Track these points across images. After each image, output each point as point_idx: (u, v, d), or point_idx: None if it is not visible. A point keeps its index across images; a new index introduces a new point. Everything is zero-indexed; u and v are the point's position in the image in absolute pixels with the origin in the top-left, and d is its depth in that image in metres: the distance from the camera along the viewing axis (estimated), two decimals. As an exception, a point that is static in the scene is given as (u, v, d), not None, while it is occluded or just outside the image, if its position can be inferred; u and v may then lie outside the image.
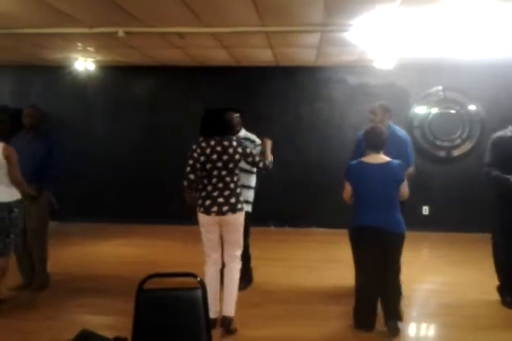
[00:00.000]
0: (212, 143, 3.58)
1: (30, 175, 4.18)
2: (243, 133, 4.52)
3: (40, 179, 4.37)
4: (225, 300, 3.60)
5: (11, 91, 7.89)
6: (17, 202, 3.91)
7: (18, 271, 4.53)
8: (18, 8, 4.46)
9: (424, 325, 3.97)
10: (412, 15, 4.42)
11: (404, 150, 4.13)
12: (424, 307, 4.35)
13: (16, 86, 7.91)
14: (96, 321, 3.84)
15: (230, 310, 3.59)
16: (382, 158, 3.60)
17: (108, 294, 4.41)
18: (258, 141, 4.40)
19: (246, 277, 4.47)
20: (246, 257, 4.47)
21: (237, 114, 4.45)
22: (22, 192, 4.00)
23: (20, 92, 7.85)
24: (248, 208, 4.33)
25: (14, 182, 3.90)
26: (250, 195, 4.43)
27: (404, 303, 3.81)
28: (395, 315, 3.56)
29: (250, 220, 4.34)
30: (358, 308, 3.65)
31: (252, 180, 4.48)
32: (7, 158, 3.85)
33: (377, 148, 3.60)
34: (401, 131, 4.34)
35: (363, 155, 3.70)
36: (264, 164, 3.73)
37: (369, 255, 3.54)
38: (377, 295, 3.58)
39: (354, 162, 3.71)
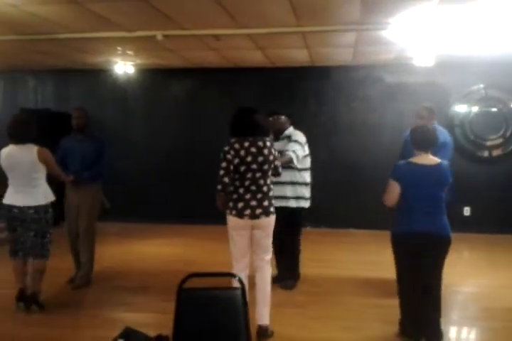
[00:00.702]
0: (246, 144, 3.42)
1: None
2: (289, 130, 4.58)
3: (90, 178, 4.62)
4: (259, 306, 3.47)
5: (53, 95, 8.14)
6: (51, 204, 4.07)
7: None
8: (60, 14, 4.60)
9: (465, 329, 3.88)
10: (451, 12, 4.33)
11: (442, 153, 3.96)
12: (465, 310, 4.25)
13: (57, 90, 8.16)
14: (136, 319, 3.91)
15: (265, 318, 3.47)
16: (432, 158, 3.43)
17: (148, 292, 4.49)
18: (296, 137, 4.46)
19: (295, 273, 4.60)
20: (296, 252, 4.60)
21: (284, 117, 4.56)
22: (64, 180, 4.32)
23: (61, 96, 8.09)
24: (305, 204, 4.51)
25: (55, 176, 4.12)
26: (306, 191, 4.53)
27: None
28: (438, 334, 3.37)
29: (304, 216, 4.54)
30: (404, 316, 3.49)
31: (306, 177, 4.56)
32: (45, 161, 3.99)
33: (425, 148, 3.41)
34: (443, 133, 4.25)
35: (409, 155, 3.54)
36: (280, 169, 3.68)
37: (417, 261, 3.35)
38: (424, 304, 3.39)
39: (402, 162, 3.51)
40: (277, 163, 3.57)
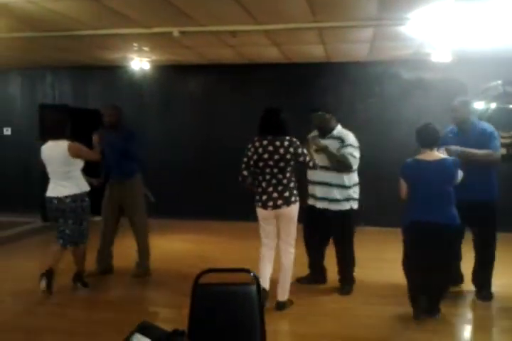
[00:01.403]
0: (265, 142, 3.81)
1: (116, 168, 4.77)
2: (337, 130, 4.43)
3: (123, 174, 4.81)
4: (280, 284, 3.91)
5: (71, 91, 8.22)
6: (87, 193, 4.40)
7: (96, 258, 4.86)
8: (78, 11, 4.64)
9: (480, 328, 3.84)
10: (469, 7, 4.27)
11: (493, 144, 4.07)
12: (486, 310, 4.19)
13: (74, 86, 8.24)
14: (153, 313, 3.97)
15: (284, 295, 3.92)
16: (437, 155, 3.70)
17: (164, 287, 4.53)
18: (350, 140, 4.31)
19: (352, 279, 4.47)
20: (350, 258, 4.46)
21: (328, 114, 4.46)
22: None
23: (78, 92, 8.17)
24: (353, 205, 4.37)
25: (97, 160, 4.48)
26: (348, 193, 4.32)
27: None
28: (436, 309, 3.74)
29: (354, 218, 4.40)
30: (414, 300, 3.75)
31: (344, 179, 4.31)
32: (77, 155, 4.26)
33: (429, 145, 3.70)
34: (484, 124, 4.28)
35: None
36: (314, 163, 3.89)
37: (426, 248, 3.62)
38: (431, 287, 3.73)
39: (409, 160, 3.79)
40: (302, 158, 3.80)
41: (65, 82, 8.27)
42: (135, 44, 6.09)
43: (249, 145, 3.88)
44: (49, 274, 4.21)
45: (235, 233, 6.79)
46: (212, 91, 7.82)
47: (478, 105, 7.04)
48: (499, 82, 6.95)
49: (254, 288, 2.24)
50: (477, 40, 5.58)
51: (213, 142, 7.76)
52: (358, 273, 4.51)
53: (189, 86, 7.90)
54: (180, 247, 6.17)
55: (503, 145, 6.97)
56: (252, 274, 2.28)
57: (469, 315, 4.13)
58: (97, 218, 5.02)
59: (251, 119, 7.44)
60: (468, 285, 4.39)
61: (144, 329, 1.79)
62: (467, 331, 3.83)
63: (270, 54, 6.69)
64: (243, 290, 2.26)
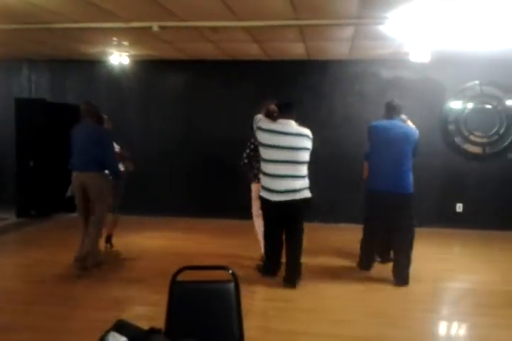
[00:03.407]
0: None
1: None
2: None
3: None
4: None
5: (48, 85, 8.08)
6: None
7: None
8: (56, 3, 4.55)
9: (456, 325, 3.90)
10: (449, 7, 4.32)
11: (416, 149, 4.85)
12: (456, 306, 4.28)
13: (52, 80, 8.09)
14: (130, 311, 3.93)
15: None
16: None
17: (141, 285, 4.49)
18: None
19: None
20: (301, 247, 4.61)
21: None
22: None
23: (56, 86, 8.03)
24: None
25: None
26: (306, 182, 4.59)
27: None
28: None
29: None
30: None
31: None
32: None
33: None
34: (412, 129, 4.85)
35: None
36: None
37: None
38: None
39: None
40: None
41: (43, 76, 8.12)
42: (114, 38, 6.01)
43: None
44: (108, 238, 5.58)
45: (216, 230, 6.77)
46: (193, 87, 7.77)
47: (456, 105, 7.15)
48: (476, 82, 7.07)
49: (232, 285, 2.23)
50: (455, 41, 5.65)
51: (193, 138, 7.72)
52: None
53: (169, 81, 7.84)
54: (160, 244, 6.12)
55: (479, 144, 7.13)
56: (230, 271, 2.27)
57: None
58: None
59: (231, 115, 7.51)
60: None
61: (119, 327, 1.76)
62: (445, 327, 3.90)
63: (251, 50, 6.67)
64: (221, 287, 2.25)
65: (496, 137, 7.04)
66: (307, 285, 4.52)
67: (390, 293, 4.37)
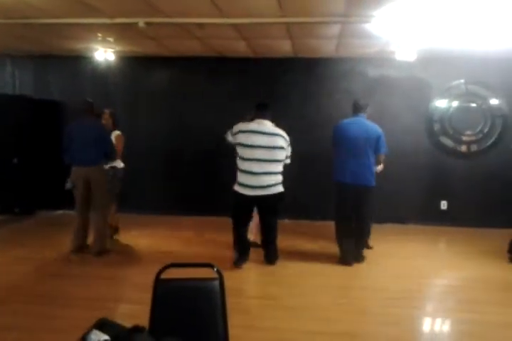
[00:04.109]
0: None
1: None
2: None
3: None
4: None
5: (32, 81, 7.96)
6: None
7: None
8: (40, -2, 4.49)
9: (440, 321, 3.94)
10: (435, 6, 4.34)
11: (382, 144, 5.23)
12: (440, 302, 4.32)
13: (36, 76, 7.98)
14: (115, 310, 3.90)
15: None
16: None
17: (125, 283, 4.46)
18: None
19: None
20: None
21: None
22: None
23: (41, 82, 7.92)
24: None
25: None
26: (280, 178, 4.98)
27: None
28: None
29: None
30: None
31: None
32: None
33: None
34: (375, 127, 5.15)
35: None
36: None
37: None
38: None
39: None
40: None
41: (27, 72, 8.00)
42: (99, 34, 5.94)
43: None
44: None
45: (203, 228, 6.75)
46: (179, 83, 7.72)
47: (441, 103, 7.20)
48: (462, 81, 7.13)
49: (217, 283, 2.22)
50: (441, 40, 5.69)
51: (180, 135, 7.68)
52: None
53: (155, 78, 7.78)
54: (146, 242, 6.08)
55: (464, 142, 7.19)
56: (215, 269, 2.26)
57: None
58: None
59: (218, 112, 7.48)
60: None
61: (102, 325, 1.74)
62: (430, 323, 3.93)
63: (238, 47, 6.65)
64: (206, 285, 2.23)
65: (481, 135, 7.11)
66: (292, 282, 4.54)
67: (374, 290, 4.40)
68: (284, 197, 4.95)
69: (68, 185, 5.27)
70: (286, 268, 4.98)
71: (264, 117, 4.88)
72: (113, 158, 5.59)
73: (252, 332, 3.45)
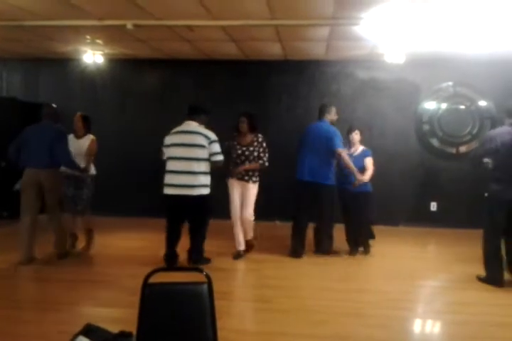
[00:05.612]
0: None
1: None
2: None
3: None
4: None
5: (21, 84, 7.91)
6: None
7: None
8: (29, 0, 4.45)
9: (430, 322, 3.94)
10: (423, 9, 4.37)
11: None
12: (430, 304, 4.32)
13: (25, 78, 7.93)
14: (102, 314, 3.84)
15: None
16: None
17: (115, 287, 4.41)
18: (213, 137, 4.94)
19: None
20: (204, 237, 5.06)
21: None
22: None
23: (29, 85, 7.87)
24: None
25: None
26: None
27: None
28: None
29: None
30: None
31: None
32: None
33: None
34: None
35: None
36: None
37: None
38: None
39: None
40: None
41: (15, 74, 7.95)
42: (87, 36, 5.91)
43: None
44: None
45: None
46: (168, 86, 7.70)
47: (430, 105, 7.24)
48: (450, 83, 7.17)
49: (205, 287, 2.20)
50: (430, 42, 5.72)
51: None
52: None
53: (144, 80, 7.75)
54: (134, 245, 6.04)
55: (452, 144, 7.23)
56: (204, 273, 2.24)
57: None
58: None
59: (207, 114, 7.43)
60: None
61: (88, 331, 1.73)
62: (419, 325, 3.93)
63: (228, 50, 6.64)
64: (194, 289, 2.21)
65: (469, 137, 7.15)
66: (283, 285, 4.52)
67: (365, 292, 4.39)
68: (207, 202, 4.82)
69: (17, 186, 5.12)
70: (277, 270, 4.95)
71: (191, 119, 4.92)
72: (70, 162, 5.19)
73: (243, 337, 3.43)
